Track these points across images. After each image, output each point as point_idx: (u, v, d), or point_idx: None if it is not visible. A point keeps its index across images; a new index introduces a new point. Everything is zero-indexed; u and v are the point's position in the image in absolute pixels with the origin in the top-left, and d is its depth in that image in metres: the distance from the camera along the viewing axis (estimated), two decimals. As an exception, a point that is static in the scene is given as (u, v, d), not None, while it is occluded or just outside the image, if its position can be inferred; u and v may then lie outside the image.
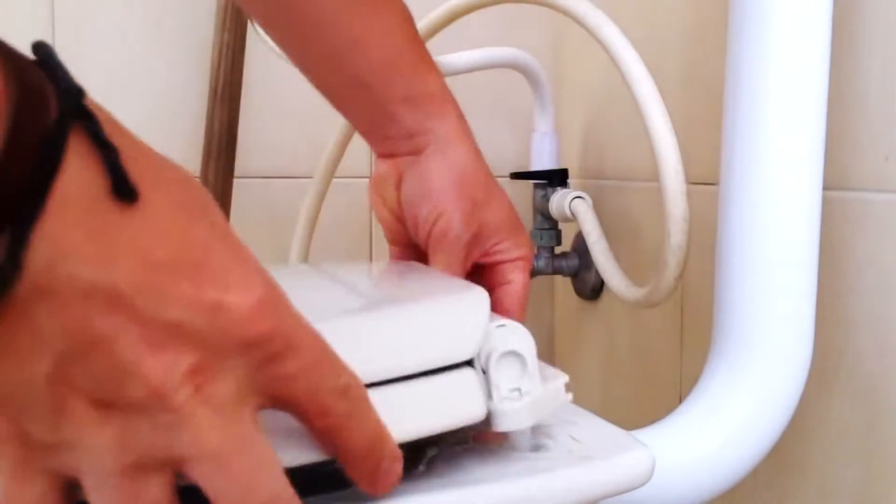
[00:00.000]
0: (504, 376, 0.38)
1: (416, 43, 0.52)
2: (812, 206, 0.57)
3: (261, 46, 0.93)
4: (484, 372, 0.37)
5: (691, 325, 0.78)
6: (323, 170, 0.90)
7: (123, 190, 0.26)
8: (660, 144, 0.65)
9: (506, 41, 0.93)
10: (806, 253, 0.57)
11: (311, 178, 0.91)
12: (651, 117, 0.65)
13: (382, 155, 0.54)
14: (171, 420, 0.26)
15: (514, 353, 0.38)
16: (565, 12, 0.72)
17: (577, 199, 0.84)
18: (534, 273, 0.92)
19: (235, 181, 0.97)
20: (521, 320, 0.53)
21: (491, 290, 0.53)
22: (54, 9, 0.95)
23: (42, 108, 0.25)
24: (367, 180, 0.55)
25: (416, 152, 0.52)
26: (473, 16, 0.82)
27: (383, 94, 0.51)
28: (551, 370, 0.42)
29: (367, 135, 0.54)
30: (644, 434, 0.58)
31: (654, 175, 0.65)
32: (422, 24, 0.83)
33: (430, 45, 0.84)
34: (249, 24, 0.96)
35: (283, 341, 0.28)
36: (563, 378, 0.40)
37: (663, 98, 0.65)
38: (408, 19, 0.52)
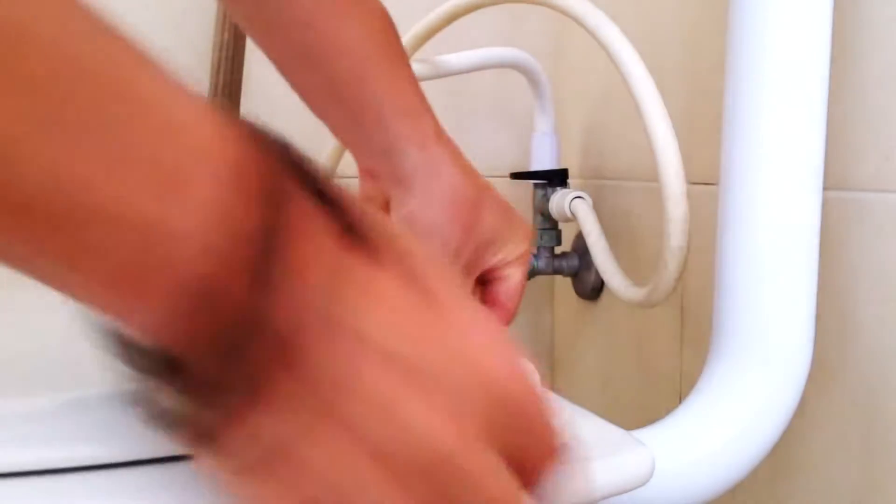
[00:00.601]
0: None
1: (392, 52, 0.50)
2: (812, 206, 0.57)
3: (261, 53, 0.93)
4: None
5: (691, 325, 0.78)
6: (323, 170, 0.90)
7: (355, 231, 0.26)
8: (660, 144, 0.64)
9: (506, 41, 0.93)
10: (806, 253, 0.57)
11: (311, 178, 0.91)
12: (651, 117, 0.65)
13: (364, 172, 0.53)
14: (465, 477, 0.26)
15: None
16: (565, 12, 0.72)
17: (577, 199, 0.84)
18: (534, 273, 0.92)
19: (235, 181, 0.97)
20: (515, 313, 0.53)
21: (486, 284, 0.53)
22: (54, 9, 0.95)
23: (269, 160, 0.25)
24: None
25: (398, 181, 0.50)
26: (473, 16, 0.82)
27: (355, 105, 0.50)
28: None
29: (346, 146, 0.53)
30: (644, 434, 0.58)
31: (654, 175, 0.65)
32: (422, 24, 0.83)
33: (430, 45, 0.85)
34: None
35: (533, 407, 0.28)
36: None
37: (663, 98, 0.65)
38: (386, 26, 0.51)
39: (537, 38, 1.02)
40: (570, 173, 0.91)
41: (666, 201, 0.64)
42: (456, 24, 0.82)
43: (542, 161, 0.92)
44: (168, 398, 0.26)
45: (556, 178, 0.90)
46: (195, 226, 0.24)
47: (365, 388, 0.25)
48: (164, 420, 0.26)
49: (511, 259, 0.52)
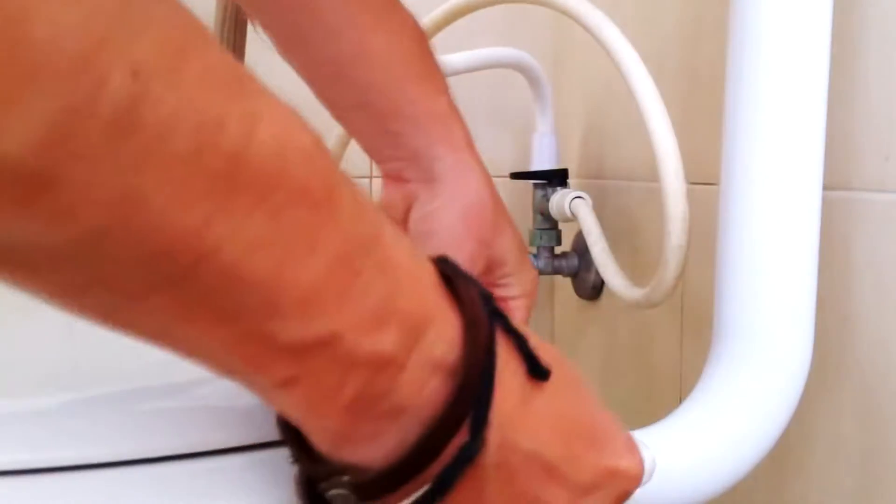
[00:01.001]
0: None
1: (424, 61, 0.51)
2: (812, 206, 0.57)
3: (261, 46, 0.93)
4: None
5: (691, 325, 0.78)
6: (323, 170, 0.90)
7: (539, 372, 0.31)
8: (660, 144, 0.64)
9: (506, 41, 0.93)
10: (806, 253, 0.57)
11: (311, 178, 0.91)
12: (651, 117, 0.65)
13: (388, 177, 0.52)
14: None
15: None
16: (565, 12, 0.72)
17: (577, 199, 0.84)
18: (534, 273, 0.92)
19: (235, 181, 0.97)
20: None
21: None
22: (54, 9, 0.95)
23: (480, 313, 0.29)
24: (367, 180, 0.54)
25: (427, 182, 0.50)
26: (473, 16, 0.82)
27: (385, 111, 0.50)
28: None
29: (369, 152, 0.53)
30: (644, 434, 0.58)
31: (654, 175, 0.65)
32: (421, 24, 0.83)
33: (430, 45, 0.85)
34: (249, 24, 0.96)
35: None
36: None
37: (663, 98, 0.65)
38: (418, 37, 0.51)
39: (537, 38, 1.02)
40: (570, 173, 0.91)
41: (666, 200, 0.64)
42: (456, 24, 0.83)
43: (542, 161, 0.92)
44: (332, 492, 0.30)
45: (556, 178, 0.89)
46: (428, 373, 0.28)
47: (526, 492, 0.30)
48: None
49: (513, 294, 0.52)
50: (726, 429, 0.58)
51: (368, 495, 0.29)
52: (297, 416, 0.28)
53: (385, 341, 0.27)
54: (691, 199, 0.65)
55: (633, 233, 0.86)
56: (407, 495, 0.28)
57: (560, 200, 0.86)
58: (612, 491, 0.33)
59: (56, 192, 0.21)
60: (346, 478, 0.29)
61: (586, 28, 0.70)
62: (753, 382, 0.58)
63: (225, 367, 0.27)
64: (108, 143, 0.21)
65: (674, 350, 0.81)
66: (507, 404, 0.29)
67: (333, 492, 0.29)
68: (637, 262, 0.84)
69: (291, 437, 0.30)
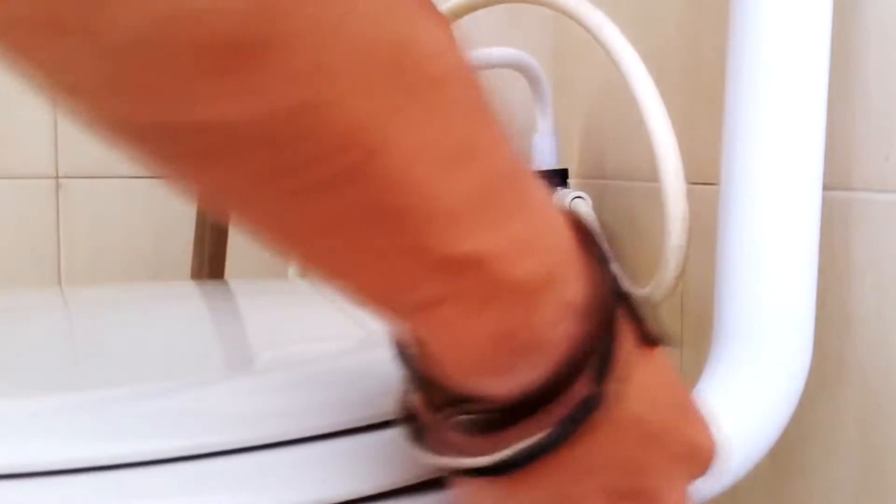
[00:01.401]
0: None
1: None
2: (812, 206, 0.57)
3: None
4: None
5: (691, 325, 0.78)
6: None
7: (650, 337, 0.31)
8: (660, 144, 0.64)
9: (506, 41, 0.93)
10: (806, 253, 0.57)
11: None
12: (651, 117, 0.65)
13: None
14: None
15: None
16: (565, 12, 0.72)
17: (577, 199, 0.84)
18: (534, 273, 0.92)
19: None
20: None
21: None
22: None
23: (606, 266, 0.30)
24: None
25: None
26: (473, 16, 0.82)
27: None
28: None
29: None
30: (644, 434, 0.58)
31: (654, 175, 0.65)
32: (422, 24, 0.83)
33: (430, 45, 0.85)
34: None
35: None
36: None
37: (663, 98, 0.65)
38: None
39: (537, 38, 1.02)
40: (570, 173, 0.91)
41: (665, 200, 0.64)
42: (456, 24, 0.82)
43: (542, 161, 0.92)
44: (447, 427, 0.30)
45: (556, 178, 0.90)
46: (561, 313, 0.28)
47: (628, 456, 0.30)
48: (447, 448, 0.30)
49: None
50: (726, 429, 0.58)
51: (491, 426, 0.29)
52: (434, 339, 0.28)
53: (529, 271, 0.27)
54: (691, 199, 0.65)
55: (633, 233, 0.86)
56: (526, 435, 0.28)
57: (560, 201, 0.86)
58: (694, 466, 0.33)
59: (257, 62, 0.21)
60: (473, 405, 0.29)
61: (586, 28, 0.70)
62: (753, 383, 0.58)
63: (369, 283, 0.27)
64: (307, 18, 0.21)
65: (674, 350, 0.81)
66: (625, 363, 0.30)
67: (456, 419, 0.29)
68: (637, 262, 0.84)
69: (410, 365, 0.30)
